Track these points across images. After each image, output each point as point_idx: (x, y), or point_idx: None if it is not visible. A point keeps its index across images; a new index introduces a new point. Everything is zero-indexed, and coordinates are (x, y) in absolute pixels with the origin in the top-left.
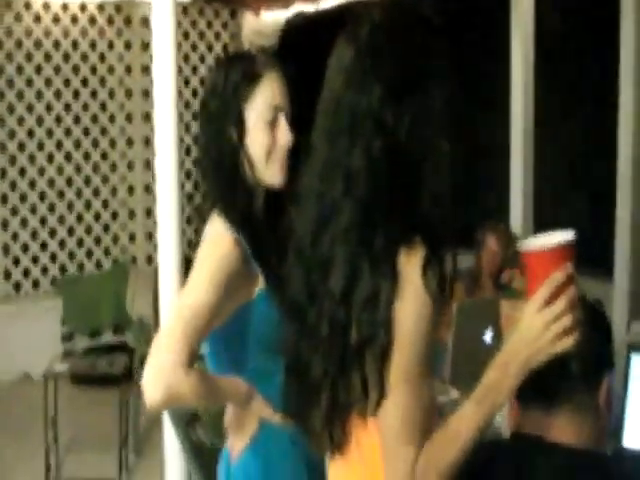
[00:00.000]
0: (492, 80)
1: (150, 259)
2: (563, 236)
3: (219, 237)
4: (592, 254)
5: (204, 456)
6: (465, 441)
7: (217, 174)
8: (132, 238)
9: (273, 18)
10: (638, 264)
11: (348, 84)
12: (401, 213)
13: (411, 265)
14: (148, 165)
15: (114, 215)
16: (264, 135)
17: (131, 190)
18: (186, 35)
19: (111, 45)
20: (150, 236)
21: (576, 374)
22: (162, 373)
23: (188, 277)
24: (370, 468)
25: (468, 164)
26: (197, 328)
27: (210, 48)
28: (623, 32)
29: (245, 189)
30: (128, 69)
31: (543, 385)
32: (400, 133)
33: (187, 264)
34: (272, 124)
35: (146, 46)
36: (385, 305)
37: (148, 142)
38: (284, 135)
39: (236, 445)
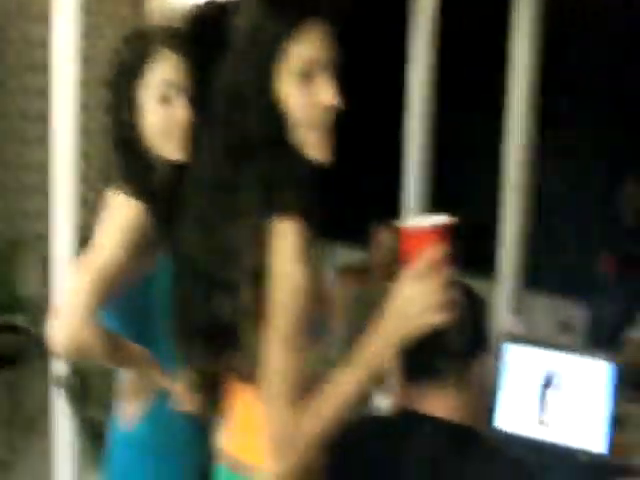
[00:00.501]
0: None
1: (42, 238)
2: (441, 219)
3: (124, 204)
4: (476, 252)
5: (94, 431)
6: (339, 407)
7: (119, 148)
8: (24, 216)
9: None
10: (521, 263)
11: (227, 67)
12: (281, 184)
13: (287, 236)
14: (43, 142)
15: (4, 191)
16: (156, 112)
17: (25, 167)
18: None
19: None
20: (43, 214)
21: (451, 352)
22: (69, 323)
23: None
24: (255, 431)
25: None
26: (102, 283)
27: (114, 26)
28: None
29: (146, 163)
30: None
31: (421, 361)
32: (273, 111)
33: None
34: (168, 101)
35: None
36: (261, 274)
37: (44, 119)
38: (180, 112)
39: (131, 413)
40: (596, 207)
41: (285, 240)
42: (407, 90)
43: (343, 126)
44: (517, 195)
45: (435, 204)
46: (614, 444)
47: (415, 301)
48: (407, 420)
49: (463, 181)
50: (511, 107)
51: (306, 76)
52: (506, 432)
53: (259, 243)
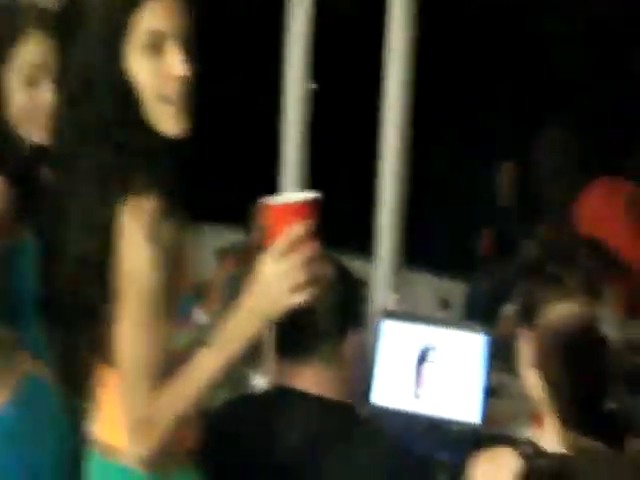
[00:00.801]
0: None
1: None
2: (305, 195)
3: None
4: (354, 231)
5: None
6: (200, 387)
7: None
8: None
9: None
10: (399, 241)
11: (78, 45)
12: (133, 162)
13: (138, 215)
14: None
15: None
16: (22, 94)
17: None
18: None
19: None
20: None
21: (322, 327)
22: None
23: None
24: (116, 412)
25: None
26: None
27: None
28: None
29: (11, 143)
30: None
31: (293, 338)
32: (124, 88)
33: None
34: (34, 84)
35: None
36: (111, 255)
37: None
38: (46, 95)
39: None
40: (474, 190)
41: (136, 219)
42: (284, 71)
43: (228, 107)
44: (394, 176)
45: (313, 184)
46: (487, 414)
47: (277, 280)
48: (280, 397)
49: (341, 161)
50: (387, 92)
51: (154, 48)
52: (382, 407)
53: (118, 223)
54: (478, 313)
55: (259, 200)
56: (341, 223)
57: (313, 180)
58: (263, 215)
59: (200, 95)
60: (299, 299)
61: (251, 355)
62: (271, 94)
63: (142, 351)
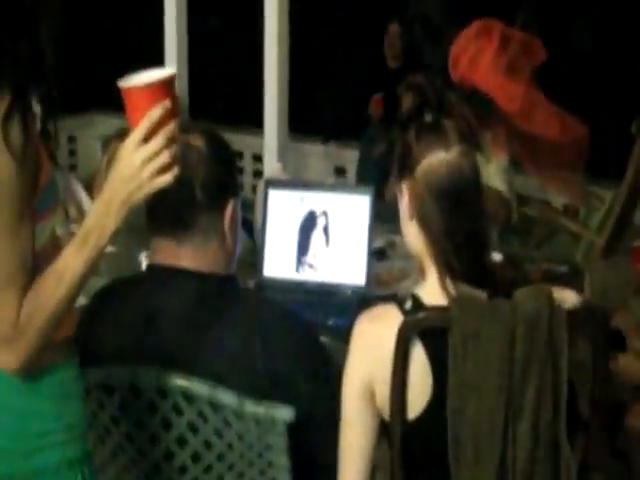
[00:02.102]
0: None
1: None
2: (163, 72)
3: None
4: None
5: None
6: (70, 284)
7: None
8: None
9: None
10: (284, 112)
11: None
12: None
13: None
14: None
15: None
16: None
17: None
18: None
19: None
20: None
21: (200, 201)
22: None
23: None
24: None
25: None
26: None
27: None
28: None
29: None
30: None
31: (169, 214)
32: None
33: None
34: None
35: None
36: None
37: None
38: None
39: None
40: (361, 52)
41: None
42: None
43: None
44: (277, 45)
45: (194, 63)
46: (376, 276)
47: (142, 168)
48: (157, 277)
49: (223, 37)
50: None
51: None
52: (272, 277)
53: None
54: (370, 177)
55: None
56: (237, 101)
57: (203, 66)
58: (123, 96)
59: None
60: (161, 183)
61: (141, 235)
62: None
63: (7, 259)
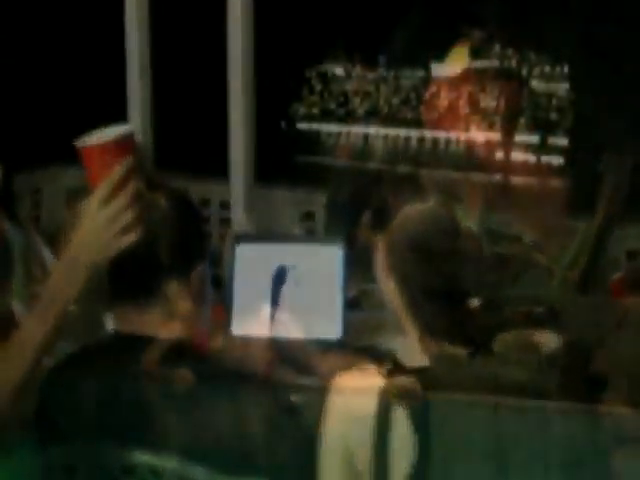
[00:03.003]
0: None
1: None
2: (120, 129)
3: None
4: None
5: None
6: (32, 356)
7: None
8: None
9: None
10: (250, 160)
11: None
12: None
13: None
14: None
15: None
16: None
17: None
18: None
19: None
20: None
21: (165, 266)
22: None
23: None
24: None
25: None
26: None
27: None
28: None
29: None
30: None
31: (134, 281)
32: None
33: None
34: None
35: None
36: None
37: None
38: None
39: None
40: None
41: None
42: None
43: None
44: (244, 95)
45: (161, 112)
46: (351, 326)
47: (106, 229)
48: (121, 345)
49: (189, 88)
50: None
51: None
52: (242, 336)
53: None
54: (338, 223)
55: (74, 141)
56: (203, 151)
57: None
58: (81, 156)
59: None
60: (126, 242)
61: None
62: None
63: None
